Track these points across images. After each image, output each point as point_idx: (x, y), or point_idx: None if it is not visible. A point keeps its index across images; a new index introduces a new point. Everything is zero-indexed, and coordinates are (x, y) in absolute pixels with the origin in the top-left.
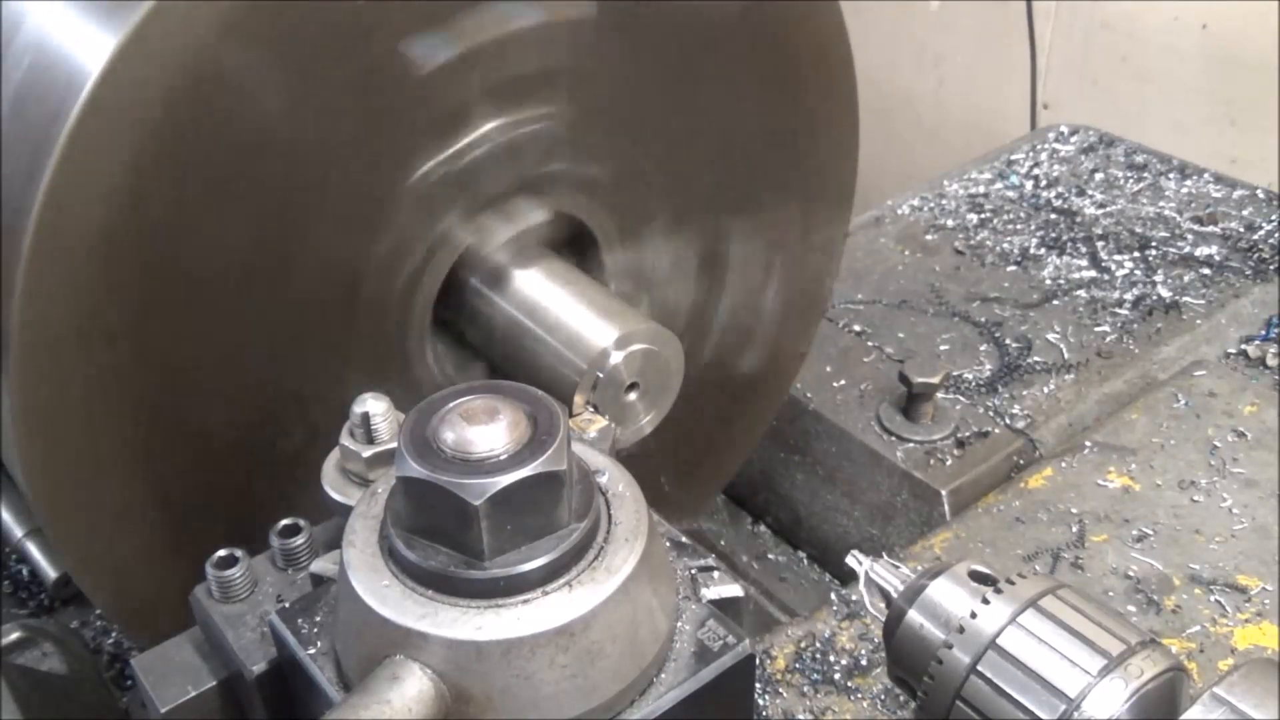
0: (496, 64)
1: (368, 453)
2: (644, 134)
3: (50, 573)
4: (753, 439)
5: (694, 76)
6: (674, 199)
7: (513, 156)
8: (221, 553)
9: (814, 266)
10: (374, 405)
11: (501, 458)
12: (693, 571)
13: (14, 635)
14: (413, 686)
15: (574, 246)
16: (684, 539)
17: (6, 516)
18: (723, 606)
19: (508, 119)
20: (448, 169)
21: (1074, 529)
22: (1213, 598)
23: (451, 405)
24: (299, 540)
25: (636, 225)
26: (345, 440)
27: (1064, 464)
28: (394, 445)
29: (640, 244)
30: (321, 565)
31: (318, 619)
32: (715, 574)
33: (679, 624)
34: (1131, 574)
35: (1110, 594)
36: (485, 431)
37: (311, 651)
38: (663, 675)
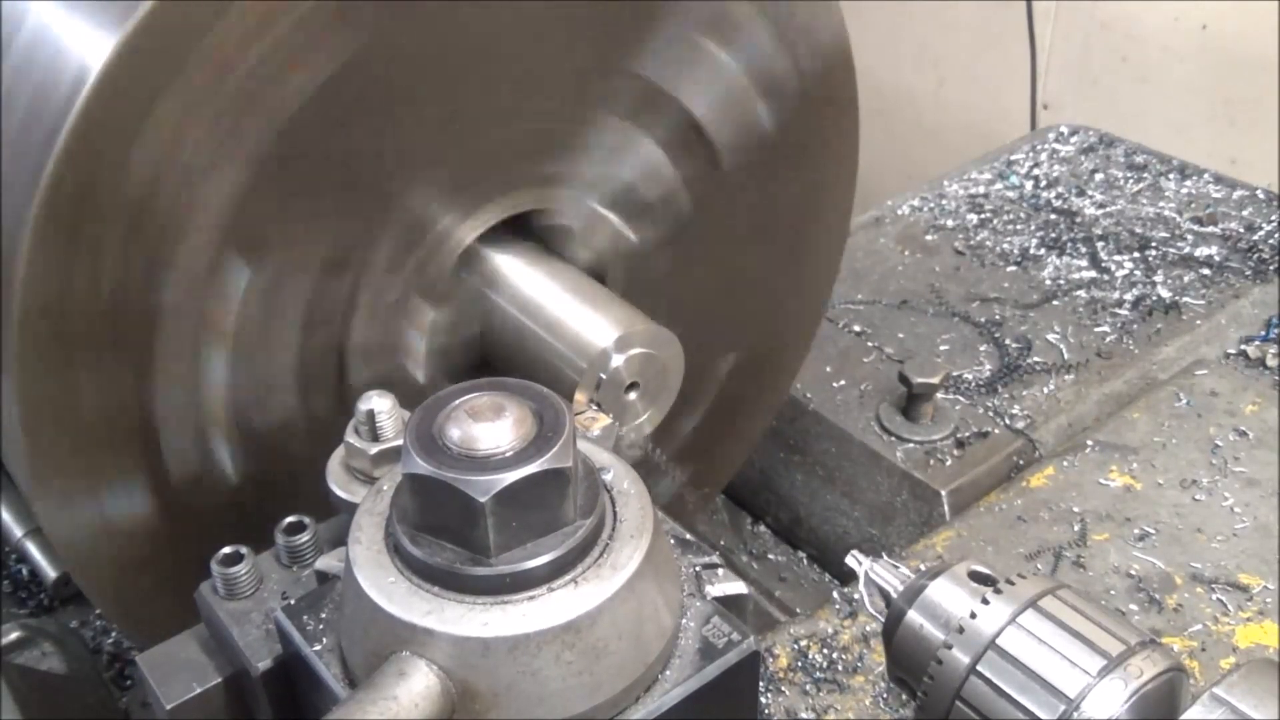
0: None
1: (373, 450)
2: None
3: (50, 573)
4: (752, 439)
5: None
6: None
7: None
8: (227, 550)
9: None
10: (379, 402)
11: (507, 455)
12: (697, 568)
13: (14, 635)
14: (419, 683)
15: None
16: (689, 536)
17: (6, 516)
18: (727, 603)
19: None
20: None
21: (1076, 528)
22: (1214, 596)
23: (457, 402)
24: (304, 537)
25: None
26: (350, 437)
27: (1066, 463)
28: (399, 442)
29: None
30: (326, 562)
31: (323, 616)
32: (720, 571)
33: (684, 621)
34: (1133, 573)
35: (1112, 593)
36: (491, 428)
37: (317, 648)
38: (668, 672)
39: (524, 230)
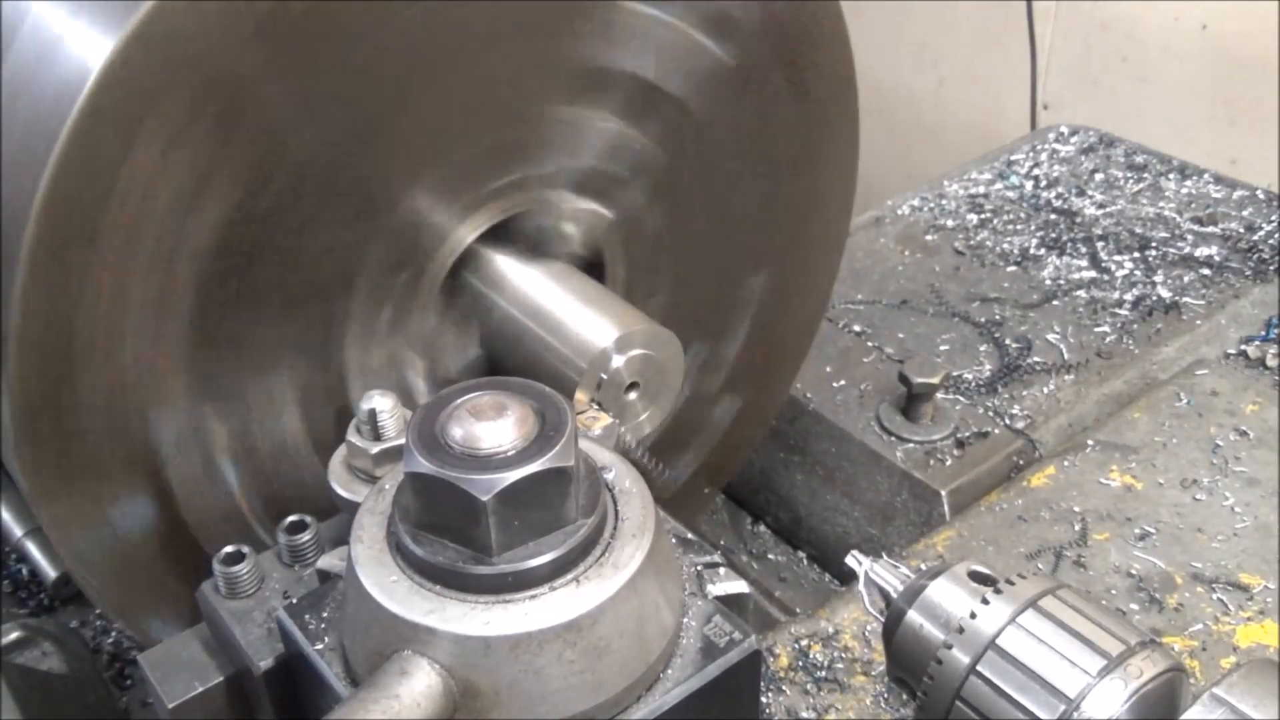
0: None
1: (375, 449)
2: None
3: (50, 573)
4: (752, 439)
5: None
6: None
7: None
8: (229, 549)
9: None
10: (381, 402)
11: (509, 454)
12: (699, 568)
13: (14, 635)
14: (421, 681)
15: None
16: (690, 535)
17: (6, 516)
18: (729, 602)
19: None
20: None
21: (1076, 527)
22: (1215, 596)
23: (459, 401)
24: (305, 536)
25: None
26: (352, 437)
27: (1066, 462)
28: (401, 442)
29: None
30: (328, 561)
31: (325, 615)
32: (721, 570)
33: (685, 620)
34: (1134, 572)
35: (1113, 592)
36: (493, 427)
37: (319, 647)
38: (669, 671)
39: (510, 236)
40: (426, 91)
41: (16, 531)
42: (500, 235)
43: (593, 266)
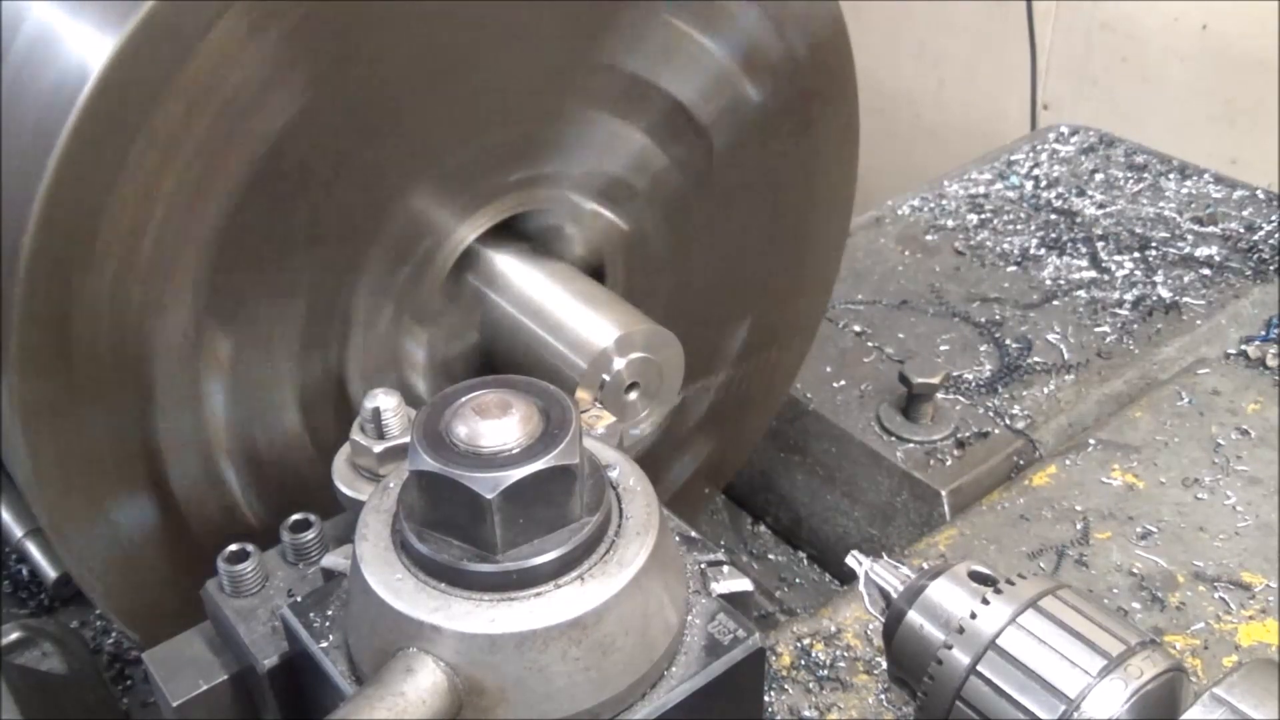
0: None
1: (379, 448)
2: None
3: (50, 573)
4: (752, 438)
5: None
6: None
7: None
8: (233, 547)
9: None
10: (385, 400)
11: (514, 451)
12: (702, 566)
13: (14, 635)
14: (426, 679)
15: None
16: (693, 534)
17: (6, 516)
18: (732, 600)
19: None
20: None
21: (1078, 526)
22: (1217, 595)
23: (464, 399)
24: (309, 535)
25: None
26: (356, 435)
27: (1068, 461)
28: (405, 440)
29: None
30: (333, 560)
31: (329, 613)
32: (725, 568)
33: (689, 618)
34: (1135, 571)
35: (1114, 591)
36: (498, 425)
37: (324, 645)
38: (673, 669)
39: (517, 233)
40: (447, 84)
41: (17, 532)
42: (504, 233)
43: (593, 275)
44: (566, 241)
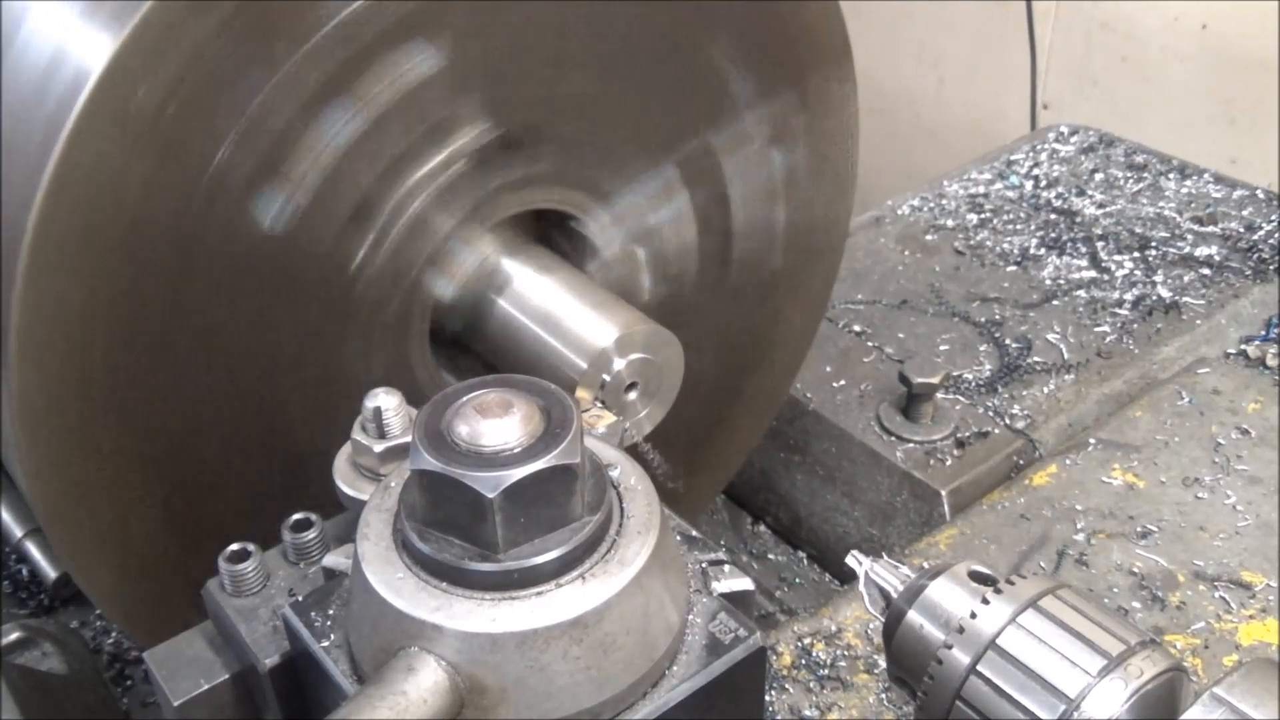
0: None
1: (380, 447)
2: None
3: (50, 573)
4: (753, 438)
5: None
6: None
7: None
8: (234, 546)
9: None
10: (386, 400)
11: (515, 451)
12: (703, 565)
13: (14, 635)
14: (428, 678)
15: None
16: (694, 533)
17: (6, 516)
18: (734, 599)
19: None
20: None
21: (1079, 526)
22: (1217, 594)
23: (465, 399)
24: (311, 534)
25: (610, 181)
26: (357, 434)
27: (1068, 461)
28: (406, 440)
29: (622, 199)
30: (334, 559)
31: (331, 612)
32: (726, 567)
33: (690, 617)
34: (1136, 570)
35: (1115, 590)
36: (499, 425)
37: (325, 644)
38: (675, 668)
39: (532, 232)
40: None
41: (17, 532)
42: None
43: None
44: (590, 259)
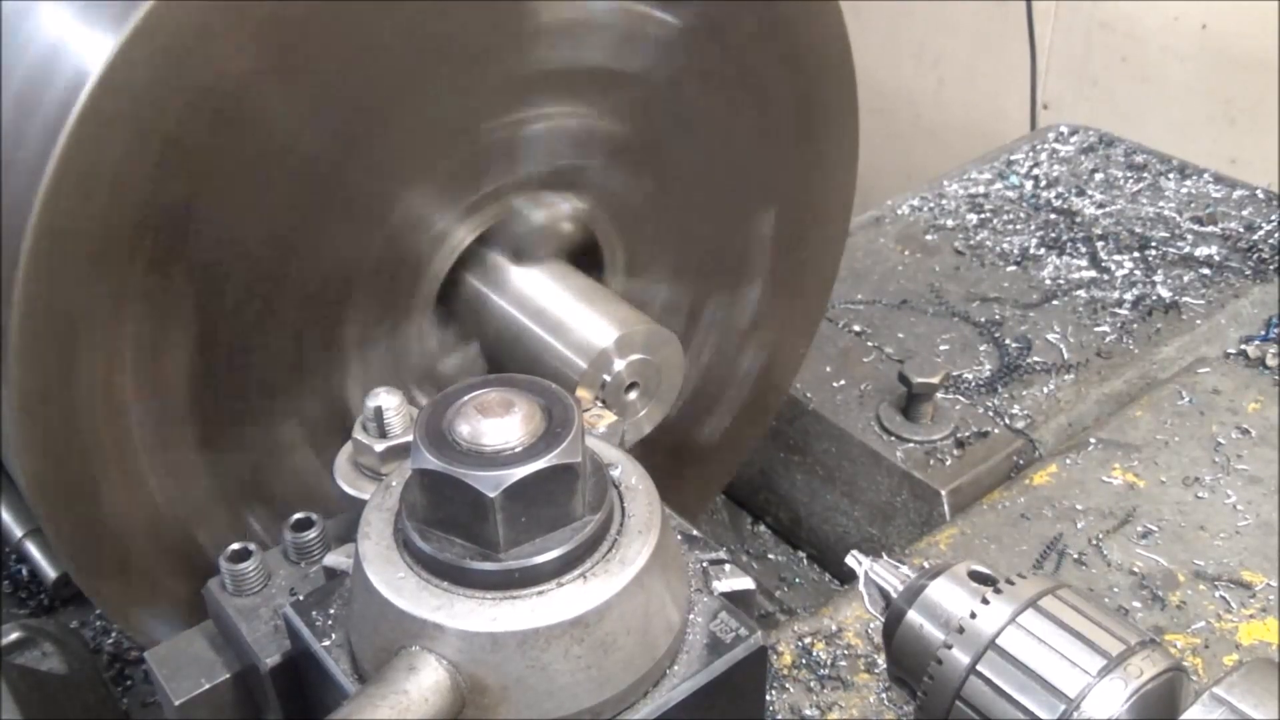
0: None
1: (380, 446)
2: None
3: (50, 573)
4: (753, 438)
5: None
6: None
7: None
8: (235, 546)
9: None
10: (387, 399)
11: (516, 450)
12: (704, 564)
13: (14, 635)
14: (429, 677)
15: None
16: (695, 532)
17: (6, 516)
18: (734, 599)
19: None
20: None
21: (1079, 525)
22: (1217, 594)
23: (466, 398)
24: (312, 534)
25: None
26: (358, 434)
27: (1068, 460)
28: (407, 439)
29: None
30: (335, 559)
31: (332, 611)
32: (727, 567)
33: (691, 616)
34: (1136, 570)
35: (1115, 590)
36: (500, 424)
37: (326, 644)
38: (676, 667)
39: (501, 239)
40: (418, 96)
41: (17, 532)
42: (493, 238)
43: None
44: (550, 237)
